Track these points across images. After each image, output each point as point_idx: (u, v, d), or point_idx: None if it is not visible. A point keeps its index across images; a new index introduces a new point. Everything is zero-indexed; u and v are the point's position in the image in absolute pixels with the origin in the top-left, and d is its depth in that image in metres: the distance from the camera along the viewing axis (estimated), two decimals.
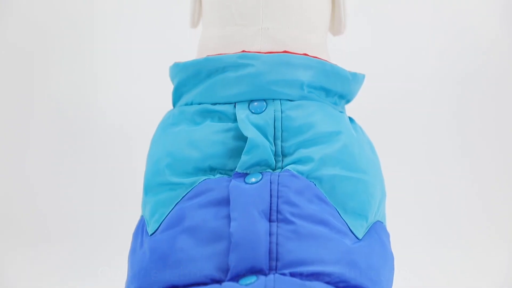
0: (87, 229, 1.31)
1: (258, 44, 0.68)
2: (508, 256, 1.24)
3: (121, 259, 0.73)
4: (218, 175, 0.65)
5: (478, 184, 1.37)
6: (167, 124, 0.72)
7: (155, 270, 0.61)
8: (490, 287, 1.16)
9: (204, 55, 0.71)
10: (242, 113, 0.66)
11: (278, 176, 0.63)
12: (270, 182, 0.62)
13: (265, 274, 0.57)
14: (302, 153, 0.65)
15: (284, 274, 0.57)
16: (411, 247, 1.23)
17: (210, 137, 0.67)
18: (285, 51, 0.68)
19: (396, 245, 0.73)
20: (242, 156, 0.64)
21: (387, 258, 0.67)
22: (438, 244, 1.28)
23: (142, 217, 0.71)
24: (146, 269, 0.62)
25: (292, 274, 0.57)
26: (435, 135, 1.39)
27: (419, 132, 1.40)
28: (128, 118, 1.40)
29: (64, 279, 1.21)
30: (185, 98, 0.71)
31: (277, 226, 0.59)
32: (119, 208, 1.30)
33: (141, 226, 0.69)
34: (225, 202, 0.62)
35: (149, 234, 0.66)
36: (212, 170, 0.66)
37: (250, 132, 0.64)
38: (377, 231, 0.68)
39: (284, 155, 0.65)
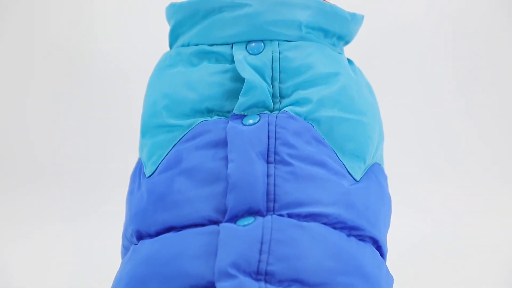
0: (82, 170, 1.32)
1: None
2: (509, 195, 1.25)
3: (116, 199, 0.73)
4: (215, 117, 0.65)
5: (477, 122, 1.37)
6: (164, 66, 0.71)
7: (152, 211, 0.61)
8: (492, 223, 1.17)
9: None
10: (239, 54, 0.65)
11: (276, 117, 0.62)
12: (268, 124, 0.61)
13: (263, 215, 0.57)
14: (300, 94, 0.64)
15: (281, 215, 0.57)
16: (410, 185, 1.24)
17: (207, 78, 0.66)
18: None
19: (395, 184, 0.73)
20: (239, 97, 0.63)
21: (385, 200, 0.68)
22: (438, 182, 1.28)
23: (139, 159, 0.71)
24: (144, 211, 0.62)
25: (290, 215, 0.57)
26: (432, 74, 1.39)
27: (417, 71, 1.39)
28: (126, 59, 1.38)
29: (59, 218, 1.22)
30: (182, 39, 0.70)
31: (275, 168, 0.59)
32: (115, 149, 1.30)
33: (139, 168, 0.69)
34: (223, 143, 0.62)
35: (147, 176, 0.66)
36: (209, 111, 0.65)
37: (248, 73, 0.63)
38: (375, 173, 0.68)
39: (282, 97, 0.65)
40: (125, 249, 0.67)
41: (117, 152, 1.27)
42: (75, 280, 1.01)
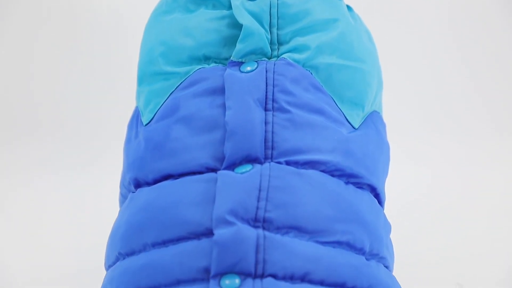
0: (81, 121, 1.31)
1: None
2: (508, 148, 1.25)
3: (114, 150, 0.73)
4: (212, 64, 0.64)
5: (475, 75, 1.36)
6: (160, 12, 0.70)
7: (150, 159, 0.61)
8: (492, 175, 1.17)
9: None
10: None
11: (274, 64, 0.61)
12: (266, 71, 0.61)
13: (261, 163, 0.57)
14: (298, 41, 0.63)
15: (279, 163, 0.57)
16: (409, 137, 1.24)
17: (204, 25, 0.65)
18: None
19: (394, 136, 0.73)
20: (237, 44, 0.62)
21: (383, 148, 0.67)
22: (437, 134, 1.28)
23: (136, 107, 0.70)
24: (141, 159, 0.62)
25: (288, 163, 0.57)
26: (431, 28, 1.37)
27: (416, 19, 1.37)
28: (126, 10, 1.37)
29: (57, 169, 1.22)
30: None
31: (273, 115, 0.59)
32: (113, 101, 1.30)
33: (136, 116, 0.69)
34: (220, 91, 0.61)
35: (144, 124, 0.65)
36: (206, 58, 0.64)
37: (245, 20, 0.62)
38: (374, 120, 0.67)
39: (280, 43, 0.64)
40: (123, 197, 0.67)
41: (116, 103, 1.26)
42: (73, 230, 1.01)
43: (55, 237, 1.00)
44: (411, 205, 1.07)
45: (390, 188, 0.71)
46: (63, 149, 1.27)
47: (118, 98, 1.23)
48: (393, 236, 0.65)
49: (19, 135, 1.30)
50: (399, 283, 0.61)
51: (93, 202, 1.10)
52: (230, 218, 0.52)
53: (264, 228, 0.53)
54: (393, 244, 0.65)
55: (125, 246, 0.58)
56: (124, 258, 0.58)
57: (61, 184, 1.18)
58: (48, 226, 1.04)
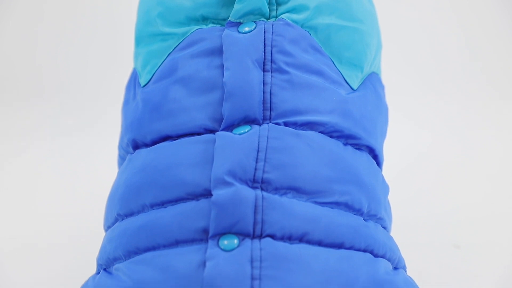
0: (79, 82, 1.31)
1: None
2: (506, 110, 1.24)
3: (113, 112, 0.73)
4: (210, 25, 0.64)
5: (472, 39, 1.35)
6: None
7: (148, 121, 0.61)
8: (490, 137, 1.17)
9: None
10: None
11: (272, 25, 0.61)
12: (264, 31, 0.60)
13: (259, 124, 0.57)
14: (296, 1, 0.63)
15: (278, 124, 0.57)
16: (407, 99, 1.24)
17: None
18: None
19: (392, 98, 0.72)
20: (235, 4, 0.62)
21: (382, 109, 0.67)
22: (435, 97, 1.28)
23: (134, 69, 0.70)
24: (139, 120, 0.62)
25: (286, 124, 0.57)
26: None
27: None
28: None
29: (57, 133, 1.22)
30: None
31: (271, 76, 0.58)
32: (112, 60, 1.29)
33: (134, 78, 0.69)
34: (218, 52, 0.60)
35: (142, 85, 0.65)
36: (204, 19, 0.64)
37: None
38: (372, 82, 0.67)
39: (278, 4, 0.63)
40: (121, 159, 0.67)
41: (114, 68, 1.26)
42: (71, 194, 1.02)
43: (52, 202, 1.00)
44: (409, 168, 1.07)
45: (389, 151, 0.71)
46: (60, 113, 1.27)
47: (116, 63, 1.22)
48: (391, 199, 0.66)
49: (16, 100, 1.29)
50: (397, 244, 0.61)
51: (91, 166, 1.10)
52: (229, 179, 0.52)
53: (262, 189, 0.53)
54: (391, 207, 0.66)
55: (124, 207, 0.58)
56: (122, 219, 0.58)
57: (59, 149, 1.18)
58: (45, 191, 1.04)
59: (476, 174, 1.05)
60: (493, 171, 1.06)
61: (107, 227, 0.62)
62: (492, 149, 1.13)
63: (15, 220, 0.95)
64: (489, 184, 1.02)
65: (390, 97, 0.73)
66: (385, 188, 0.64)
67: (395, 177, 0.72)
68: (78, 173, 1.09)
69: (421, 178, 1.04)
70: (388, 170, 0.67)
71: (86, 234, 0.82)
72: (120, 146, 0.67)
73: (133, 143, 0.62)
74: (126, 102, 0.68)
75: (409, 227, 0.84)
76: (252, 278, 0.48)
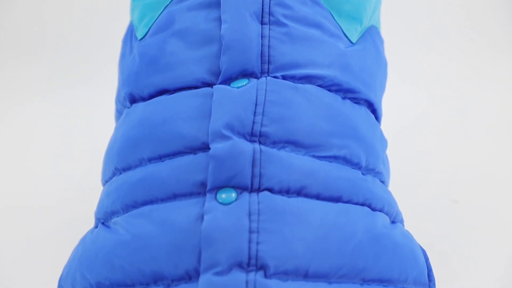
0: (79, 37, 1.29)
1: None
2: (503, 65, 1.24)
3: (113, 67, 0.72)
4: None
5: None
6: None
7: (145, 74, 0.60)
8: (485, 91, 1.16)
9: None
10: None
11: None
12: None
13: (257, 77, 0.56)
14: None
15: (276, 77, 0.56)
16: (401, 57, 1.22)
17: None
18: None
19: (390, 52, 0.72)
20: None
21: (381, 63, 0.67)
22: (428, 53, 1.27)
23: (131, 22, 0.69)
24: (136, 74, 0.61)
25: (284, 77, 0.56)
26: None
27: None
28: None
29: (58, 86, 1.22)
30: None
31: (269, 29, 0.58)
32: (113, 16, 1.27)
33: (130, 31, 0.68)
34: (216, 4, 0.60)
35: (138, 39, 0.64)
36: None
37: None
38: (372, 35, 0.66)
39: None
40: (119, 113, 0.67)
41: (116, 23, 1.24)
42: (69, 150, 1.02)
43: (51, 157, 1.00)
44: (407, 127, 1.06)
45: (385, 111, 0.71)
46: (60, 68, 1.26)
47: (118, 18, 1.21)
48: (389, 157, 0.66)
49: (17, 54, 1.28)
50: (395, 199, 0.62)
51: (90, 121, 1.10)
52: (226, 132, 0.52)
53: (260, 143, 0.53)
54: (389, 165, 0.66)
55: (122, 161, 0.58)
56: (120, 173, 0.58)
57: (58, 103, 1.17)
58: (44, 146, 1.04)
59: (474, 131, 1.05)
60: (490, 128, 1.06)
61: (105, 181, 0.62)
62: (489, 106, 1.13)
63: (12, 177, 0.95)
64: (487, 141, 1.02)
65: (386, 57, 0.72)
66: (384, 143, 0.64)
67: (393, 136, 0.71)
68: (77, 128, 1.09)
69: (418, 137, 1.04)
70: (385, 130, 0.66)
71: (86, 190, 0.82)
72: (117, 100, 0.66)
73: (130, 97, 0.61)
74: (122, 56, 0.67)
75: (407, 184, 0.84)
76: (250, 231, 0.48)
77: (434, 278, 0.57)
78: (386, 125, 0.69)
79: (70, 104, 1.17)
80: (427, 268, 0.58)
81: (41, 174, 0.95)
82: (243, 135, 0.52)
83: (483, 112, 1.11)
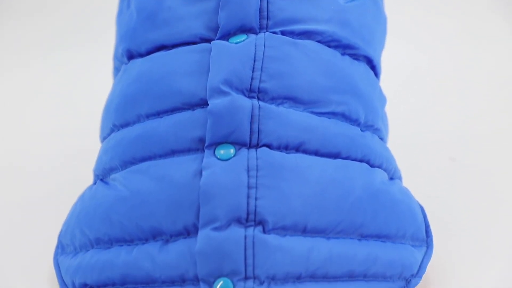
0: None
1: None
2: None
3: (112, 29, 0.71)
4: None
5: None
6: None
7: (142, 30, 0.59)
8: (482, 50, 1.16)
9: None
10: None
11: None
12: None
13: (256, 33, 0.55)
14: None
15: (275, 33, 0.55)
16: (398, 16, 1.21)
17: None
18: None
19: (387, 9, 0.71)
20: None
21: (380, 19, 0.66)
22: (428, 10, 1.25)
23: None
24: (134, 30, 0.60)
25: (283, 33, 0.56)
26: None
27: None
28: None
29: (53, 49, 1.21)
30: None
31: None
32: None
33: None
34: None
35: None
36: None
37: None
38: None
39: None
40: (116, 70, 0.66)
41: None
42: (69, 110, 1.01)
43: (51, 117, 1.00)
44: (405, 86, 1.06)
45: (383, 68, 0.70)
46: (60, 29, 1.25)
47: None
48: (388, 116, 0.65)
49: (18, 16, 1.27)
50: (394, 157, 0.62)
51: (90, 82, 1.09)
52: (225, 88, 0.51)
53: (259, 99, 0.52)
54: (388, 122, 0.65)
55: (120, 118, 0.58)
56: (118, 130, 0.58)
57: (58, 64, 1.17)
58: (44, 107, 1.03)
59: (471, 90, 1.05)
60: (488, 87, 1.05)
61: (103, 138, 0.62)
62: (487, 65, 1.12)
63: (13, 137, 0.95)
64: (484, 99, 1.01)
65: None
66: (383, 99, 0.63)
67: (392, 94, 0.71)
68: (78, 89, 1.08)
69: (416, 95, 1.04)
70: (383, 88, 0.66)
71: (86, 149, 0.82)
72: (115, 57, 0.66)
73: (128, 53, 0.61)
74: (120, 12, 0.66)
75: (405, 142, 0.84)
76: (249, 187, 0.48)
77: (431, 234, 0.58)
78: (384, 84, 0.69)
79: (70, 65, 1.17)
80: (425, 224, 0.58)
81: (41, 134, 0.95)
82: (241, 91, 0.52)
83: (481, 70, 1.11)
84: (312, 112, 0.54)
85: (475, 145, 0.87)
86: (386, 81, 0.71)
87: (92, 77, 1.10)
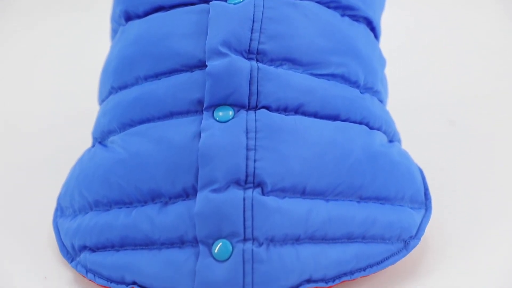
0: None
1: None
2: None
3: None
4: None
5: None
6: None
7: None
8: (471, 16, 1.15)
9: None
10: None
11: None
12: None
13: None
14: None
15: None
16: None
17: None
18: None
19: None
20: None
21: None
22: None
23: None
24: None
25: None
26: None
27: None
28: None
29: (59, 12, 1.20)
30: None
31: None
32: None
33: None
34: None
35: None
36: None
37: None
38: None
39: None
40: (114, 32, 0.65)
41: None
42: (74, 72, 1.00)
43: (56, 79, 0.99)
44: (402, 48, 1.05)
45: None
46: None
47: None
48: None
49: None
50: (393, 119, 0.61)
51: (95, 45, 1.08)
52: (223, 49, 0.51)
53: (257, 60, 0.52)
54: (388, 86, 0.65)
55: (118, 80, 0.57)
56: (116, 92, 0.58)
57: (64, 26, 1.15)
58: (50, 69, 1.02)
59: (471, 51, 1.04)
60: (487, 47, 1.04)
61: (101, 101, 0.61)
62: (480, 25, 1.11)
63: (21, 98, 0.95)
64: (484, 60, 1.00)
65: None
66: (382, 61, 0.63)
67: (388, 56, 0.70)
68: (82, 51, 1.07)
69: (414, 57, 1.03)
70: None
71: (86, 112, 0.82)
72: (112, 19, 0.65)
73: (125, 15, 0.60)
74: None
75: (404, 106, 0.84)
76: (247, 149, 0.48)
77: (430, 196, 0.58)
78: (381, 46, 0.68)
79: (73, 27, 1.16)
80: (424, 186, 0.58)
81: (43, 96, 0.95)
82: (240, 52, 0.51)
83: (481, 31, 1.10)
84: (312, 74, 0.53)
85: (475, 109, 0.86)
86: (384, 43, 0.70)
87: (96, 40, 1.09)
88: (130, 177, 0.52)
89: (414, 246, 0.53)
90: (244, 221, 0.47)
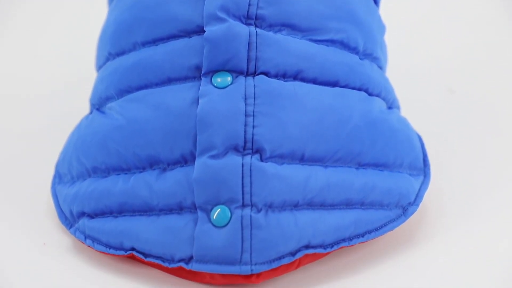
0: None
1: None
2: None
3: None
4: None
5: None
6: None
7: None
8: None
9: None
10: None
11: None
12: None
13: None
14: None
15: None
16: None
17: None
18: None
19: None
20: None
21: None
22: None
23: None
24: None
25: None
26: None
27: None
28: None
29: None
30: None
31: None
32: None
33: None
34: None
35: None
36: None
37: None
38: None
39: None
40: None
41: None
42: (76, 40, 1.00)
43: (55, 46, 0.99)
44: (401, 13, 1.04)
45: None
46: None
47: None
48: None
49: None
50: (392, 86, 0.61)
51: (92, 11, 1.07)
52: (222, 15, 0.50)
53: (256, 26, 0.51)
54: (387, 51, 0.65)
55: (115, 46, 0.57)
56: (114, 58, 0.57)
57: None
58: (48, 36, 1.02)
59: (470, 16, 1.03)
60: (487, 13, 1.03)
61: (99, 67, 0.61)
62: None
63: (15, 64, 0.94)
64: (484, 26, 1.00)
65: None
66: (382, 28, 0.62)
67: (388, 22, 0.70)
68: (81, 17, 1.06)
69: (414, 25, 1.02)
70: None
71: (84, 78, 0.81)
72: None
73: None
74: None
75: (404, 73, 0.83)
76: (246, 115, 0.48)
77: (429, 163, 0.58)
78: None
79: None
80: (423, 153, 0.58)
81: (42, 62, 0.94)
82: (238, 18, 0.51)
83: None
84: (311, 40, 0.53)
85: (474, 77, 0.86)
86: (383, 10, 0.70)
87: (94, 6, 1.08)
88: (128, 143, 0.51)
89: (413, 213, 0.53)
90: (243, 187, 0.47)
